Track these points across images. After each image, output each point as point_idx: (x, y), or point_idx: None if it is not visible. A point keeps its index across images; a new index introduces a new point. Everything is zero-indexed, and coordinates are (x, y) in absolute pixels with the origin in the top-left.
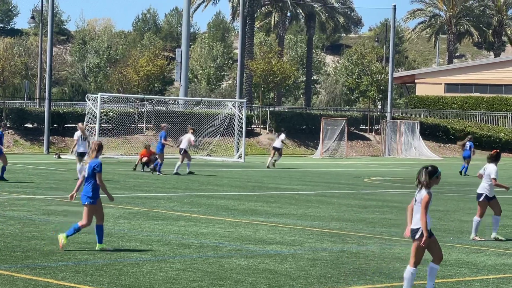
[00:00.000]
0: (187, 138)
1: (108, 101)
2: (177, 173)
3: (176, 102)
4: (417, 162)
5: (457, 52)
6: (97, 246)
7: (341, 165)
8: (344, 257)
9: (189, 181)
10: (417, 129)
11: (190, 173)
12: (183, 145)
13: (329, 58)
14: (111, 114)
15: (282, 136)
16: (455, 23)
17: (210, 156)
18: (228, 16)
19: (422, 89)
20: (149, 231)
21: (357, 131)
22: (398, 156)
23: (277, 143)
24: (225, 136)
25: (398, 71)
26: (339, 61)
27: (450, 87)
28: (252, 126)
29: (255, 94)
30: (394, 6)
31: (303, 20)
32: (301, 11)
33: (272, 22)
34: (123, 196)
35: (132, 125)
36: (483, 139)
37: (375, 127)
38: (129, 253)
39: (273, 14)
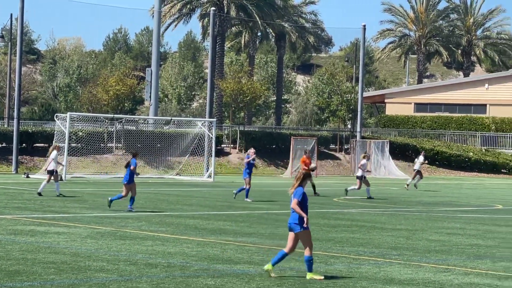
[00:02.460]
0: (360, 164)
1: (77, 121)
2: (370, 197)
3: (145, 122)
4: (386, 182)
5: (427, 72)
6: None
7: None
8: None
9: (158, 201)
10: (387, 149)
11: (370, 198)
12: (359, 172)
13: (300, 78)
14: (80, 133)
15: (421, 158)
16: (424, 43)
17: (180, 175)
18: (199, 35)
19: (392, 109)
20: (116, 251)
21: (327, 151)
22: (367, 175)
23: (416, 165)
24: (195, 156)
25: (368, 90)
26: (310, 81)
27: (419, 106)
28: (222, 145)
29: (225, 113)
30: (364, 26)
31: (273, 40)
32: (271, 31)
33: (243, 42)
34: (91, 215)
35: (102, 145)
36: (452, 159)
37: (345, 147)
38: (95, 273)
39: (244, 33)
